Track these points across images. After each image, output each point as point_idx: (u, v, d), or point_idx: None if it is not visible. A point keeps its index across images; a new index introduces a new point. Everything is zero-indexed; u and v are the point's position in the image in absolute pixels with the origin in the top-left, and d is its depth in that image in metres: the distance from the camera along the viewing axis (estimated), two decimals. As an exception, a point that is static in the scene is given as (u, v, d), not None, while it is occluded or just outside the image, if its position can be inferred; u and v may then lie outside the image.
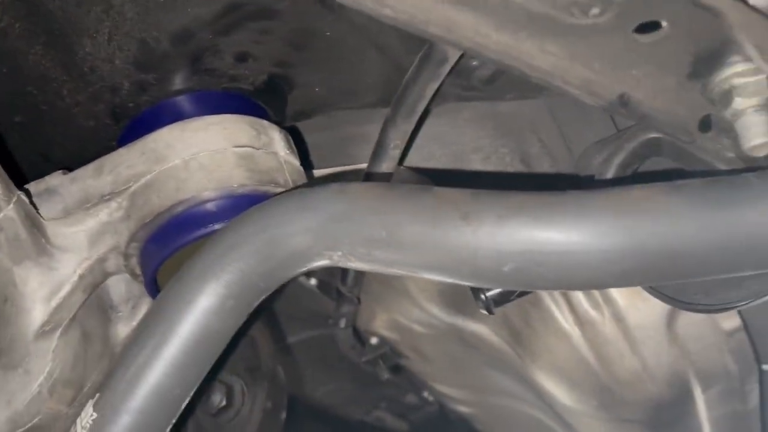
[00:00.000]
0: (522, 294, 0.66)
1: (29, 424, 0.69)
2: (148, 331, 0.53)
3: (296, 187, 0.68)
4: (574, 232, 0.43)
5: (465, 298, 0.92)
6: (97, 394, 0.53)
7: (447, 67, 0.64)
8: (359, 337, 1.12)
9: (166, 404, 0.53)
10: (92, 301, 0.71)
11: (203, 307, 0.52)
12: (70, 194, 0.66)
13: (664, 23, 0.51)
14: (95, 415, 0.52)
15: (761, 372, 0.79)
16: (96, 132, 0.71)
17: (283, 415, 1.06)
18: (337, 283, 0.99)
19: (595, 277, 0.45)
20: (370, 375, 1.18)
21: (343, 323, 1.08)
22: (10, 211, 0.60)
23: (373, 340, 1.11)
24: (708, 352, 0.76)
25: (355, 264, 0.50)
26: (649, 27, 0.52)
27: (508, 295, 0.63)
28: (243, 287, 0.52)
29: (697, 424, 0.80)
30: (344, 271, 0.96)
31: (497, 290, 0.64)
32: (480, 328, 0.92)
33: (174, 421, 0.54)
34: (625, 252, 0.44)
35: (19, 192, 0.62)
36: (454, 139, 0.76)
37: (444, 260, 0.46)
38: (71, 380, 0.70)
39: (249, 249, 0.52)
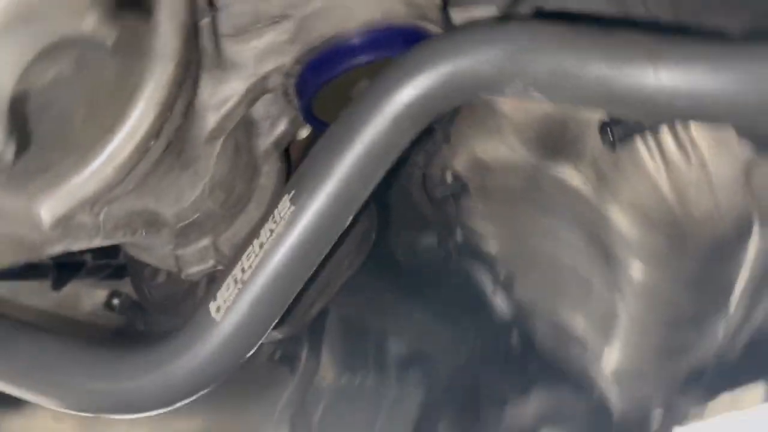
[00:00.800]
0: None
1: (188, 220, 0.78)
2: (336, 137, 0.61)
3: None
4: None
5: (564, 144, 1.00)
6: (293, 191, 0.61)
7: None
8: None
9: (349, 202, 0.62)
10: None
11: (385, 119, 0.59)
12: (243, 13, 0.72)
13: None
14: (293, 207, 0.61)
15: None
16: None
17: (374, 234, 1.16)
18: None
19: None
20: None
21: (421, 161, 1.17)
22: (206, 22, 0.66)
23: (449, 178, 1.20)
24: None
25: (535, 95, 0.58)
26: None
27: (632, 132, 0.70)
28: (423, 106, 0.60)
29: (745, 257, 0.90)
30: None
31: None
32: (566, 171, 1.01)
33: (351, 217, 0.63)
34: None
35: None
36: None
37: (624, 96, 0.54)
38: (225, 184, 0.78)
39: (436, 72, 0.59)
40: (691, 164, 0.87)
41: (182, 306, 0.96)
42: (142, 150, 0.59)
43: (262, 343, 0.64)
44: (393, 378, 2.12)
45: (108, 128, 0.57)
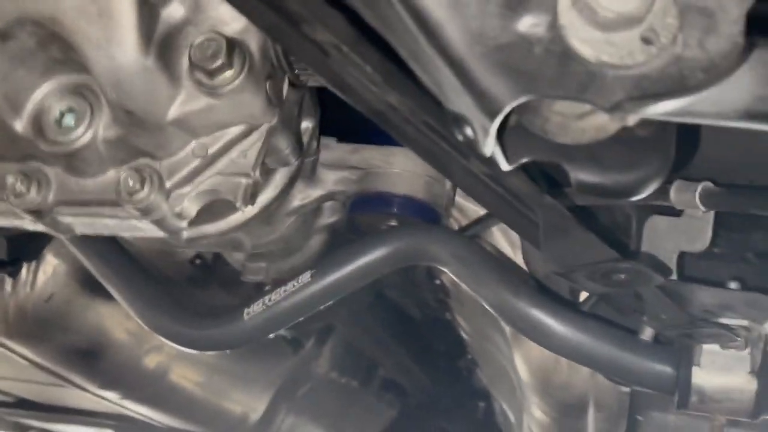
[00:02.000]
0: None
1: (258, 251, 1.28)
2: (350, 249, 1.09)
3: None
4: None
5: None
6: (315, 270, 1.10)
7: None
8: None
9: (340, 291, 1.10)
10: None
11: (380, 253, 1.07)
12: (333, 154, 1.22)
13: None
14: (310, 279, 1.09)
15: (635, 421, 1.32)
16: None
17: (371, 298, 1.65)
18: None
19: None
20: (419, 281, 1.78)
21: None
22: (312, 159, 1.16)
23: (437, 282, 1.69)
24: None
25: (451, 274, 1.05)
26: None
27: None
28: (402, 255, 1.08)
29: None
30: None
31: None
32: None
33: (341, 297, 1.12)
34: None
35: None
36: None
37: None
38: (288, 239, 1.28)
39: (413, 242, 1.06)
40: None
41: (234, 290, 1.48)
42: (263, 212, 1.07)
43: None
44: (374, 391, 2.61)
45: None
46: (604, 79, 0.46)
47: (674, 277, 0.91)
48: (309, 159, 1.14)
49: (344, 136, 1.23)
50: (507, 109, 0.47)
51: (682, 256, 0.92)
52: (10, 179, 0.84)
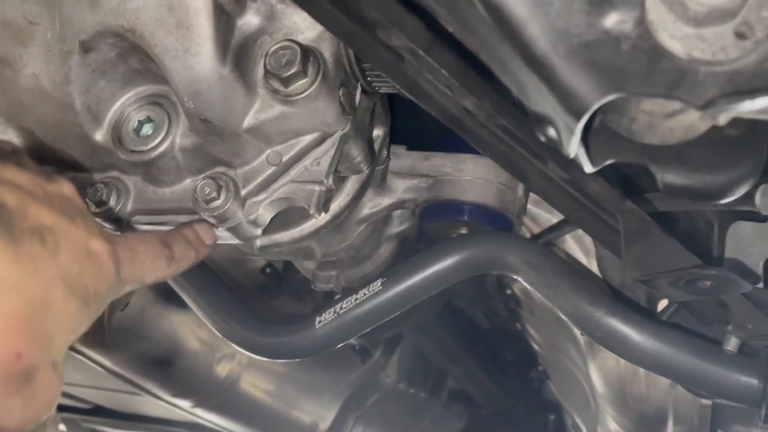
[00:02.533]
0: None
1: (329, 259, 1.28)
2: (421, 258, 1.08)
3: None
4: None
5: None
6: (386, 278, 1.09)
7: None
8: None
9: (413, 299, 1.09)
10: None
11: (447, 261, 1.06)
12: (403, 162, 1.21)
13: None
14: (381, 287, 1.09)
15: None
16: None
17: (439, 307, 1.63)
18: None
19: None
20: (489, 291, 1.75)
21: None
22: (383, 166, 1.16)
23: (508, 291, 1.66)
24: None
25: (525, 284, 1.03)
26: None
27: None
28: (467, 262, 1.06)
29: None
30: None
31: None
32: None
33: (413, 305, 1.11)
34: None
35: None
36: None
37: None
38: (358, 247, 1.27)
39: (481, 251, 1.05)
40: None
41: (304, 298, 1.48)
42: (334, 220, 1.07)
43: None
44: (442, 402, 2.59)
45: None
46: (696, 76, 0.44)
47: (761, 285, 0.88)
48: (379, 167, 1.14)
49: (414, 144, 1.23)
50: (593, 108, 0.45)
51: (769, 263, 0.88)
52: (90, 189, 0.86)
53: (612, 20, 0.46)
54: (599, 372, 1.34)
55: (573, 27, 0.46)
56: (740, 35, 0.44)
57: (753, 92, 0.44)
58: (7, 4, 0.80)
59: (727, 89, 0.44)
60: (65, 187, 0.69)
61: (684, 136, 0.52)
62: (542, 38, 0.46)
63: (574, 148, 0.49)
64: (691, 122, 0.51)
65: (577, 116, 0.46)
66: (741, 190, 0.56)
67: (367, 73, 0.88)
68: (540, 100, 0.48)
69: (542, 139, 0.50)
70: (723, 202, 0.57)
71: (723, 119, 0.50)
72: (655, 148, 0.53)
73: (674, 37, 0.44)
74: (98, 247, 0.66)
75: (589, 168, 0.53)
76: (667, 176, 0.54)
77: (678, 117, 0.50)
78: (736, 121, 0.54)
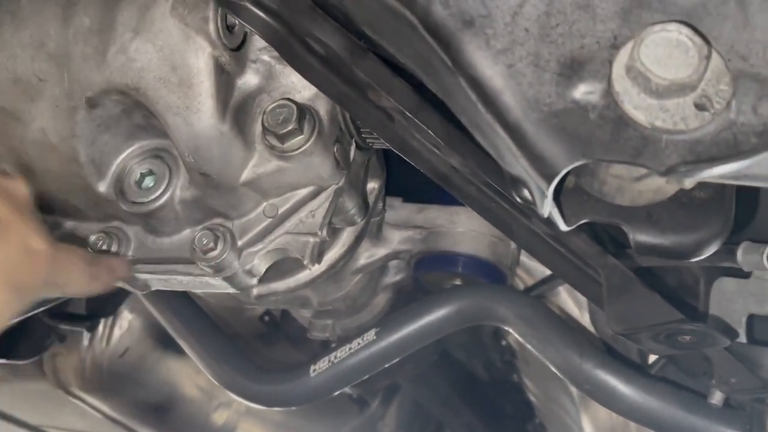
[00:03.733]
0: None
1: (325, 308, 1.30)
2: (413, 309, 1.10)
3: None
4: None
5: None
6: (380, 328, 1.12)
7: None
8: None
9: (405, 349, 1.11)
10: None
11: (440, 312, 1.09)
12: (398, 214, 1.24)
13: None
14: (375, 337, 1.11)
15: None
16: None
17: (434, 357, 1.65)
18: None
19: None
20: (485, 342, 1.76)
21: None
22: (380, 218, 1.18)
23: (503, 342, 1.68)
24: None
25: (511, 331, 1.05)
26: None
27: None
28: (460, 313, 1.09)
29: None
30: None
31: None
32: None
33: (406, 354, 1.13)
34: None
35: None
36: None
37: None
38: (354, 297, 1.29)
39: (475, 302, 1.07)
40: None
41: (301, 347, 1.50)
42: (330, 270, 1.10)
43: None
44: (441, 456, 2.56)
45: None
46: (658, 144, 0.47)
47: (743, 340, 0.90)
48: (375, 218, 1.17)
49: (409, 196, 1.26)
50: (563, 173, 0.48)
51: (752, 318, 0.90)
52: (92, 238, 0.89)
53: (580, 91, 0.49)
54: (592, 424, 1.35)
55: (543, 97, 0.49)
56: (700, 107, 0.47)
57: (712, 160, 0.46)
58: (19, 61, 0.84)
59: (687, 157, 0.47)
60: (20, 187, 0.73)
61: (653, 198, 0.55)
62: (515, 107, 0.49)
63: (547, 208, 0.51)
64: (658, 185, 0.53)
65: (548, 179, 0.49)
66: (710, 249, 0.58)
67: (361, 129, 0.91)
68: (514, 163, 0.51)
69: (518, 200, 0.53)
70: (695, 260, 0.59)
71: (689, 183, 0.53)
72: (626, 208, 0.56)
73: (638, 107, 0.48)
74: (38, 246, 0.69)
75: (563, 227, 0.56)
76: (639, 236, 0.57)
77: (645, 180, 0.53)
78: (703, 184, 0.57)
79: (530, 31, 0.50)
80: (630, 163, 0.48)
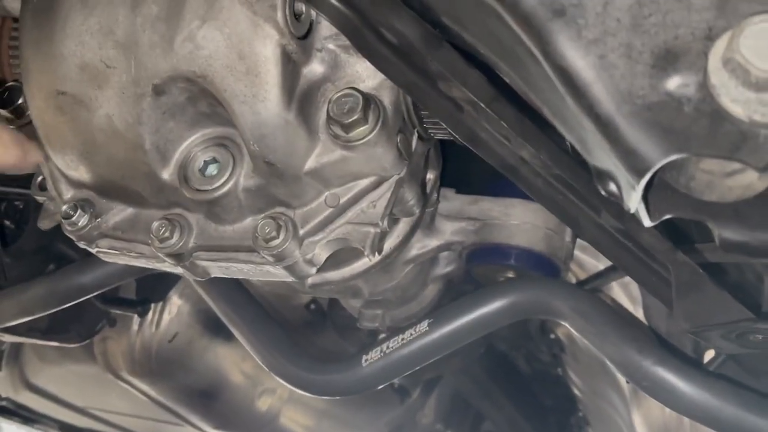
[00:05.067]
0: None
1: (375, 298, 1.30)
2: (469, 300, 1.09)
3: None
4: None
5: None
6: (433, 319, 1.11)
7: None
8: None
9: (458, 341, 1.10)
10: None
11: (497, 305, 1.08)
12: (451, 205, 1.23)
13: None
14: (427, 328, 1.10)
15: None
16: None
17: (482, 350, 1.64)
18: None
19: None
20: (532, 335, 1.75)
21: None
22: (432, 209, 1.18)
23: (552, 336, 1.67)
24: None
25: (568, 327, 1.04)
26: None
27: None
28: (521, 308, 1.08)
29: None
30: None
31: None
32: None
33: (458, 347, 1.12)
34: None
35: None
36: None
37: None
38: (404, 287, 1.29)
39: (527, 297, 1.06)
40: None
41: (348, 336, 1.50)
42: (384, 260, 1.09)
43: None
44: (478, 447, 2.57)
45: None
46: (757, 139, 0.46)
47: (811, 340, 0.88)
48: (429, 209, 1.16)
49: (463, 188, 1.25)
50: (656, 167, 0.47)
51: (819, 318, 0.88)
52: (155, 225, 0.90)
53: (675, 83, 0.48)
54: (643, 421, 1.33)
55: (637, 89, 0.48)
56: (801, 101, 0.46)
57: (813, 156, 0.45)
58: (87, 48, 0.84)
59: (787, 152, 0.45)
60: None
61: (742, 195, 0.53)
62: (607, 99, 0.48)
63: (635, 203, 0.50)
64: (750, 181, 0.52)
65: (640, 174, 0.48)
66: (797, 248, 0.57)
67: (423, 120, 0.91)
68: (602, 156, 0.50)
69: (603, 192, 0.52)
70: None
71: (781, 179, 0.51)
72: (713, 205, 0.55)
73: (736, 101, 0.46)
74: None
75: (648, 222, 0.55)
76: (725, 233, 0.55)
77: (737, 176, 0.51)
78: (793, 181, 0.56)
79: (622, 21, 0.49)
80: (727, 158, 0.46)
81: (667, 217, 0.56)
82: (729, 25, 0.48)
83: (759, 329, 0.72)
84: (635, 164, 0.48)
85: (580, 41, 0.49)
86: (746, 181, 0.52)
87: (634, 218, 0.57)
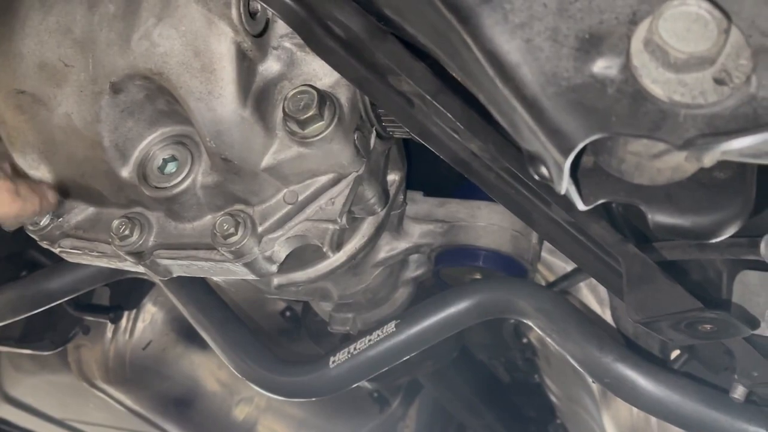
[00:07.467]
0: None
1: (345, 301, 1.30)
2: (434, 302, 1.10)
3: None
4: None
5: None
6: (400, 320, 1.12)
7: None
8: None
9: (424, 342, 1.11)
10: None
11: (462, 305, 1.08)
12: (419, 208, 1.24)
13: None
14: (394, 329, 1.11)
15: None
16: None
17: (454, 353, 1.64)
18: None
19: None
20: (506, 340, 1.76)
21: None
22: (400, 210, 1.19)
23: (524, 340, 1.67)
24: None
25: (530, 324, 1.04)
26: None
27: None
28: (480, 306, 1.08)
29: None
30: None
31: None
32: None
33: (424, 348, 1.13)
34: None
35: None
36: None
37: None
38: (374, 290, 1.29)
39: (494, 296, 1.07)
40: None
41: (322, 342, 1.51)
42: (350, 261, 1.10)
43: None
44: (462, 457, 2.55)
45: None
46: (676, 118, 0.47)
47: (767, 333, 0.89)
48: (396, 212, 1.17)
49: (431, 191, 1.26)
50: (580, 146, 0.48)
51: (775, 312, 0.89)
52: (115, 223, 0.90)
53: (599, 66, 0.49)
54: (612, 422, 1.34)
55: (561, 71, 0.49)
56: (719, 81, 0.47)
57: (730, 134, 0.46)
58: (45, 46, 0.85)
59: (705, 130, 0.46)
60: None
61: (672, 177, 0.54)
62: (533, 81, 0.49)
63: (564, 184, 0.51)
64: (677, 163, 0.53)
65: (565, 153, 0.49)
66: (730, 230, 0.58)
67: (381, 118, 0.92)
68: (531, 138, 0.51)
69: (535, 177, 0.53)
70: (713, 241, 0.59)
71: (708, 161, 0.52)
72: (645, 188, 0.56)
73: (656, 81, 0.47)
74: None
75: (581, 206, 0.56)
76: (657, 216, 0.56)
77: (664, 158, 0.52)
78: (723, 165, 0.57)
79: (549, 6, 0.50)
80: (648, 137, 0.47)
81: (602, 201, 0.57)
82: (652, 10, 0.50)
83: (706, 318, 0.72)
84: (560, 144, 0.49)
85: (506, 25, 0.50)
86: (673, 162, 0.53)
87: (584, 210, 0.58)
